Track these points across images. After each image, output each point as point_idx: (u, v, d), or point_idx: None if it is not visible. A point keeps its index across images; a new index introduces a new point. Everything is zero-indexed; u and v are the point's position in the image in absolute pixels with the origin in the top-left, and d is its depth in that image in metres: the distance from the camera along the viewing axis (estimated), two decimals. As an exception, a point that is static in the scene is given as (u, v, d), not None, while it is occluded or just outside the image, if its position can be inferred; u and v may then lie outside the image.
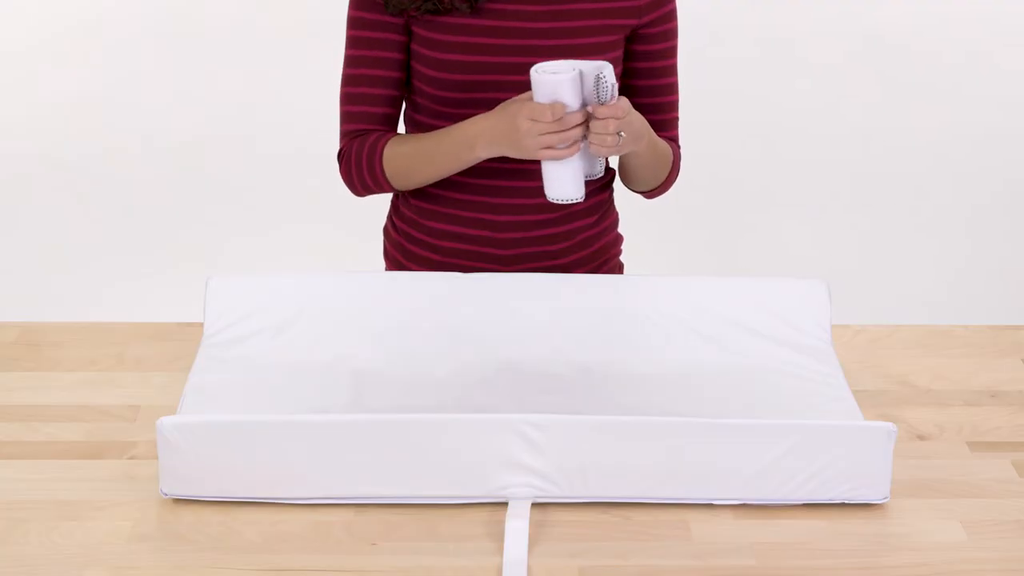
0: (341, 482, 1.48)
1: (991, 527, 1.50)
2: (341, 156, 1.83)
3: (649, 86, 1.85)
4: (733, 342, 1.72)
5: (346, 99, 1.81)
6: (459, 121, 1.77)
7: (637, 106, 1.84)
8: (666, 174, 1.88)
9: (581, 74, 1.61)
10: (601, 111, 1.62)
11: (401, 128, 1.89)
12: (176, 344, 1.82)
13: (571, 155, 1.65)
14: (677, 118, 1.90)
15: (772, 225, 3.63)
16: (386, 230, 2.00)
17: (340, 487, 1.49)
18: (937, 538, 1.48)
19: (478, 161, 1.74)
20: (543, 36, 1.74)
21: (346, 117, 1.81)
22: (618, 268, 2.01)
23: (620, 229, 2.01)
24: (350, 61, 1.80)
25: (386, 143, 1.79)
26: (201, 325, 1.77)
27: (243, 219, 3.54)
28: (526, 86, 1.73)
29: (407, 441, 1.47)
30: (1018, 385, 1.79)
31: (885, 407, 1.73)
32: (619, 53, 1.79)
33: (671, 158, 1.87)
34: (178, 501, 1.50)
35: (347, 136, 1.82)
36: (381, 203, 2.07)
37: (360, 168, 1.80)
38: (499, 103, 1.75)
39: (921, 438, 1.66)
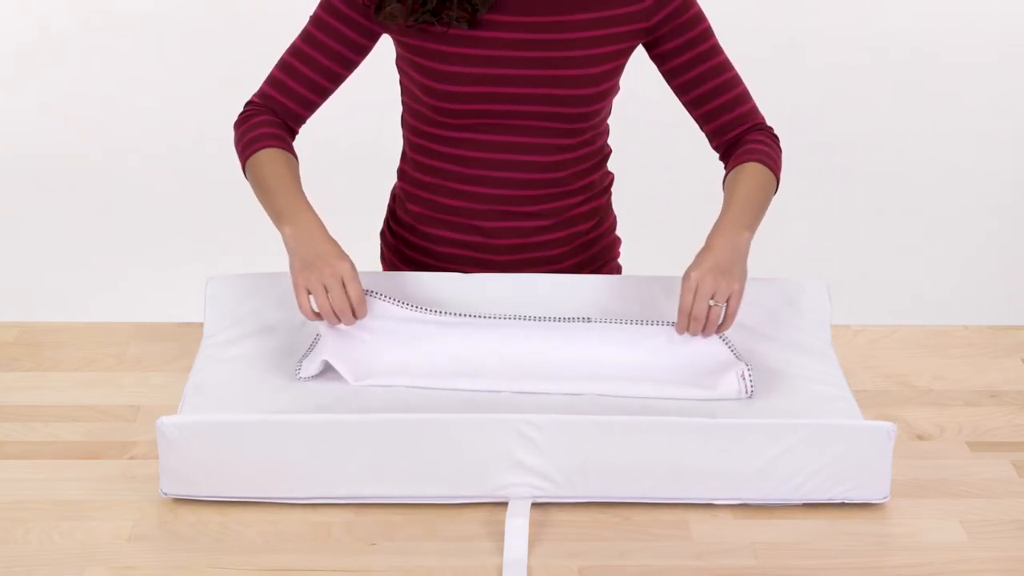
0: (341, 482, 1.48)
1: (991, 527, 1.50)
2: (243, 115, 1.81)
3: (697, 75, 1.78)
4: (733, 342, 1.71)
5: (282, 66, 1.78)
6: (458, 130, 1.78)
7: (695, 99, 1.79)
8: (774, 187, 1.80)
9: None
10: (684, 324, 1.64)
11: (398, 131, 1.89)
12: (176, 344, 1.82)
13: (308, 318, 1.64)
14: (744, 92, 1.81)
15: (772, 225, 3.62)
16: (383, 234, 2.00)
17: (340, 487, 1.49)
18: (937, 538, 1.48)
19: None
20: (541, 48, 1.73)
21: (272, 80, 1.79)
22: (616, 271, 2.01)
23: (618, 231, 2.01)
24: (304, 36, 1.77)
25: (261, 150, 1.75)
26: (201, 325, 1.77)
27: (243, 219, 3.53)
28: (523, 97, 1.73)
29: (407, 441, 1.47)
30: (1018, 385, 1.79)
31: (885, 407, 1.73)
32: (623, 62, 1.78)
33: (773, 181, 1.78)
34: (178, 501, 1.50)
35: (262, 96, 1.80)
36: (378, 205, 2.07)
37: (238, 147, 1.79)
38: (497, 113, 1.74)
39: (921, 438, 1.66)
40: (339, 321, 1.63)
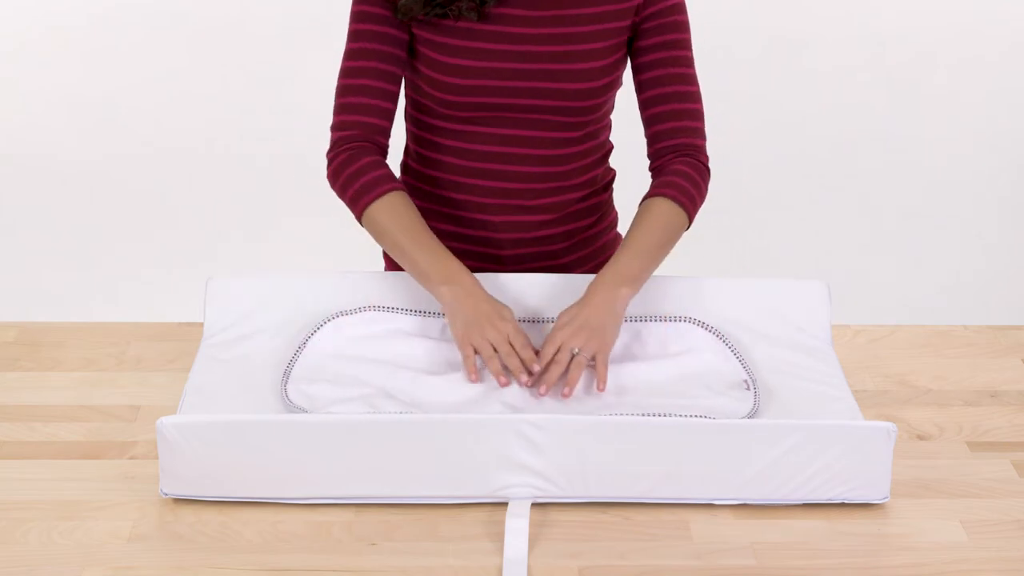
0: (341, 482, 1.48)
1: (991, 527, 1.50)
2: (337, 157, 1.75)
3: (658, 76, 1.78)
4: (734, 342, 1.71)
5: (343, 91, 1.76)
6: (462, 123, 1.78)
7: (648, 99, 1.79)
8: (684, 225, 1.77)
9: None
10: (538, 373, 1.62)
11: (400, 126, 1.89)
12: (176, 344, 1.82)
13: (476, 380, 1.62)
14: (696, 111, 1.79)
15: (773, 225, 3.63)
16: (386, 230, 2.00)
17: (340, 487, 1.49)
18: (937, 538, 1.48)
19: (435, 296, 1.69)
20: (545, 42, 1.74)
21: (340, 109, 1.76)
22: (618, 268, 2.01)
23: (620, 229, 2.01)
24: (351, 54, 1.76)
25: (378, 198, 1.72)
26: (201, 325, 1.77)
27: (243, 219, 3.54)
28: (527, 90, 1.74)
29: (407, 441, 1.47)
30: (1018, 385, 1.79)
31: (885, 407, 1.73)
32: (619, 56, 1.78)
33: (682, 221, 1.75)
34: (178, 501, 1.50)
35: (342, 127, 1.75)
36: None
37: (346, 193, 1.74)
38: (501, 106, 1.75)
39: (921, 438, 1.66)
40: (507, 381, 1.62)
